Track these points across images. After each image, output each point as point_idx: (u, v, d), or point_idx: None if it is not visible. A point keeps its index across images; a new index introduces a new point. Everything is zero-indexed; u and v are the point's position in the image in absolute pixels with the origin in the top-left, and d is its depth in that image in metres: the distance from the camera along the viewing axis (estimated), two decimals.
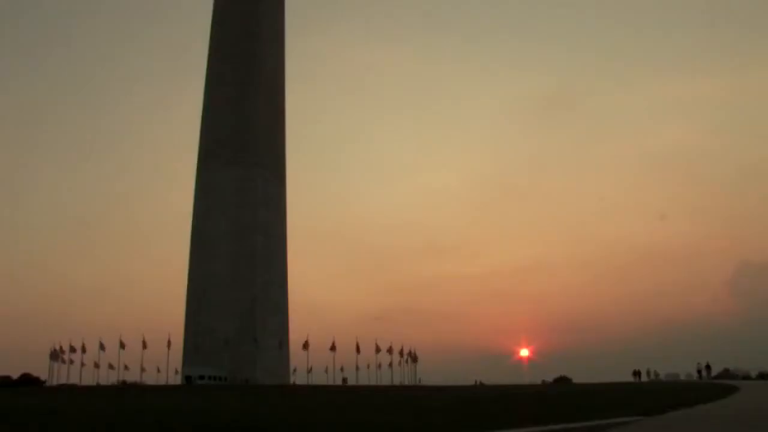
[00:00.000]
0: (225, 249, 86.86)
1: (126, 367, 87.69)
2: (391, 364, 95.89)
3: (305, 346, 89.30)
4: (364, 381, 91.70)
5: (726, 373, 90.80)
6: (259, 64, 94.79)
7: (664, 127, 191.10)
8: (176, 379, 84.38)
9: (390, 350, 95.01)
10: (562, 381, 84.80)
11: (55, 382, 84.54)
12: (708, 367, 72.60)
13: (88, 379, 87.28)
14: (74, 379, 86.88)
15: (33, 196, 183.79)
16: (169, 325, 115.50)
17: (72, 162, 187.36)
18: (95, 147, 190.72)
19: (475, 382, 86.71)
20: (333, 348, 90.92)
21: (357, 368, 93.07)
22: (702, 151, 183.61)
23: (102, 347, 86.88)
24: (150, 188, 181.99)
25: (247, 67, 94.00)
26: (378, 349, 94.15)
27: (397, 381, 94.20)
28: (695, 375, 74.41)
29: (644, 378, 77.09)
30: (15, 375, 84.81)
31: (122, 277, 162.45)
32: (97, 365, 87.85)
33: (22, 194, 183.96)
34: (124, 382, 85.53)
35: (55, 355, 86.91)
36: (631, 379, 76.17)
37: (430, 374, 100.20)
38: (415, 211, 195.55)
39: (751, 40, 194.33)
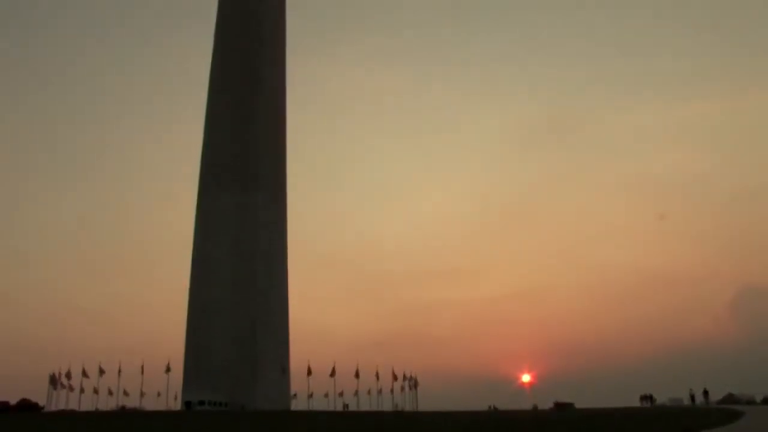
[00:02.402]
0: (225, 272, 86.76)
1: (125, 393, 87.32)
2: (392, 390, 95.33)
3: (308, 372, 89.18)
4: (364, 407, 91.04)
5: (730, 398, 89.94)
6: (260, 87, 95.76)
7: (663, 150, 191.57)
8: (176, 405, 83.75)
9: (394, 377, 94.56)
10: (561, 407, 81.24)
11: (54, 408, 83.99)
12: (706, 392, 71.56)
13: (88, 404, 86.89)
14: (73, 405, 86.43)
15: (32, 219, 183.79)
16: (169, 349, 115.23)
17: (72, 182, 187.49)
18: (96, 166, 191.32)
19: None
20: (333, 374, 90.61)
21: (357, 394, 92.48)
22: (701, 174, 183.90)
23: (101, 372, 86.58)
24: (151, 212, 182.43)
25: (249, 91, 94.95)
26: (378, 375, 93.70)
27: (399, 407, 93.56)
28: (692, 400, 73.46)
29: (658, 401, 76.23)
30: (13, 400, 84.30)
31: (122, 300, 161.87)
32: (96, 391, 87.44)
33: (21, 218, 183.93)
34: (123, 408, 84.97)
35: (55, 380, 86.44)
36: (637, 403, 75.30)
37: (430, 400, 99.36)
38: (415, 235, 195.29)
39: (748, 64, 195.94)
